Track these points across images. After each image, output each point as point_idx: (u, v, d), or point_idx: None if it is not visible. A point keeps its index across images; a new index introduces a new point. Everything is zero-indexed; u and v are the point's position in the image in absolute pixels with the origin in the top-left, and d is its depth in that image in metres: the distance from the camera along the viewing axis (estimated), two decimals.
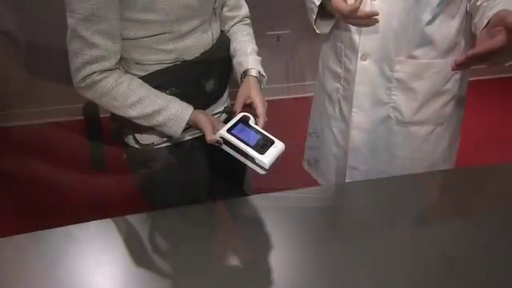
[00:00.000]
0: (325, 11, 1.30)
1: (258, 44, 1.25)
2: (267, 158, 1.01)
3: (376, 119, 1.39)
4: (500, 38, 0.86)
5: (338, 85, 1.43)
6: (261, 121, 1.10)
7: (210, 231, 1.13)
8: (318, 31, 1.35)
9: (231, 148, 1.04)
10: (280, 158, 1.07)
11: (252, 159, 1.02)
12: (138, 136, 1.19)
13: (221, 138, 1.03)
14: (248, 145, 1.02)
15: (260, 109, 1.11)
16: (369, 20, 1.15)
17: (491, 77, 3.50)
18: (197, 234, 1.12)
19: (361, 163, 1.48)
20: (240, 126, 1.06)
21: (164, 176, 1.25)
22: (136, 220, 1.17)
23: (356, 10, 1.13)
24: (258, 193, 1.27)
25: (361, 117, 1.40)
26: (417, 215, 1.18)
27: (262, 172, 1.03)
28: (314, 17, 1.31)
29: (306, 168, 1.77)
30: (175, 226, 1.15)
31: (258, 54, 1.25)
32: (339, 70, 1.41)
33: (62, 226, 1.14)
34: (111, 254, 1.07)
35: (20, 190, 2.57)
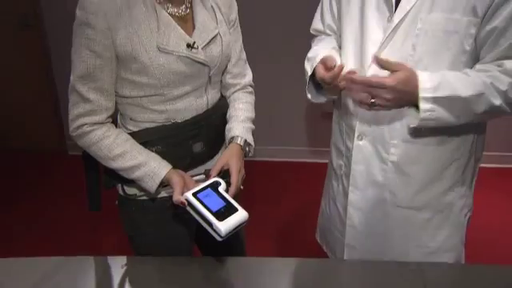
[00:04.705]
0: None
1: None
2: (224, 226, 1.03)
3: (372, 200, 1.35)
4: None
5: (341, 162, 1.42)
6: (232, 189, 1.13)
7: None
8: (312, 100, 1.36)
9: (194, 211, 1.07)
10: (242, 227, 1.08)
11: (210, 225, 1.04)
12: (124, 186, 1.26)
13: (186, 199, 1.07)
14: (209, 210, 1.05)
15: (234, 177, 1.14)
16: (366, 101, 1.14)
17: (504, 166, 3.17)
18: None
19: (357, 242, 1.44)
20: (208, 190, 1.10)
21: (145, 228, 1.30)
22: (115, 262, 1.23)
23: (336, 76, 1.14)
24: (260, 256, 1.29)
25: (357, 196, 1.37)
26: None
27: (218, 238, 1.05)
28: (306, 86, 1.33)
29: (318, 240, 1.74)
30: (150, 275, 1.19)
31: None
32: (342, 148, 1.41)
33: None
34: None
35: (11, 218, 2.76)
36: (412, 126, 1.16)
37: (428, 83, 1.08)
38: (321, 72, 1.18)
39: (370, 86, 1.07)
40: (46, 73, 3.25)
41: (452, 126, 1.16)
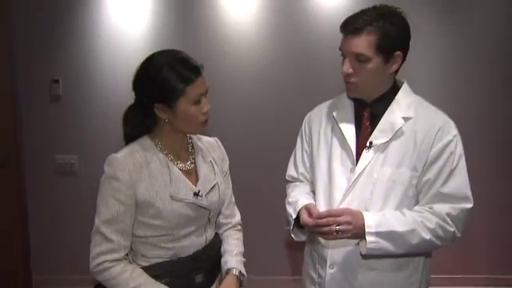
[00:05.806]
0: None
1: None
2: None
3: None
4: None
5: None
6: None
7: None
8: (295, 239, 1.62)
9: None
10: None
11: None
12: None
13: None
14: None
15: None
16: (331, 232, 1.40)
17: None
18: None
19: None
20: None
21: None
22: None
23: (319, 223, 1.41)
24: None
25: None
26: None
27: None
28: (291, 228, 1.60)
29: None
30: None
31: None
32: (314, 276, 1.64)
33: None
34: None
35: None
36: (362, 253, 1.45)
37: (371, 221, 1.41)
38: (305, 218, 1.46)
39: (333, 215, 1.39)
40: (19, 213, 3.35)
41: (396, 254, 1.46)
